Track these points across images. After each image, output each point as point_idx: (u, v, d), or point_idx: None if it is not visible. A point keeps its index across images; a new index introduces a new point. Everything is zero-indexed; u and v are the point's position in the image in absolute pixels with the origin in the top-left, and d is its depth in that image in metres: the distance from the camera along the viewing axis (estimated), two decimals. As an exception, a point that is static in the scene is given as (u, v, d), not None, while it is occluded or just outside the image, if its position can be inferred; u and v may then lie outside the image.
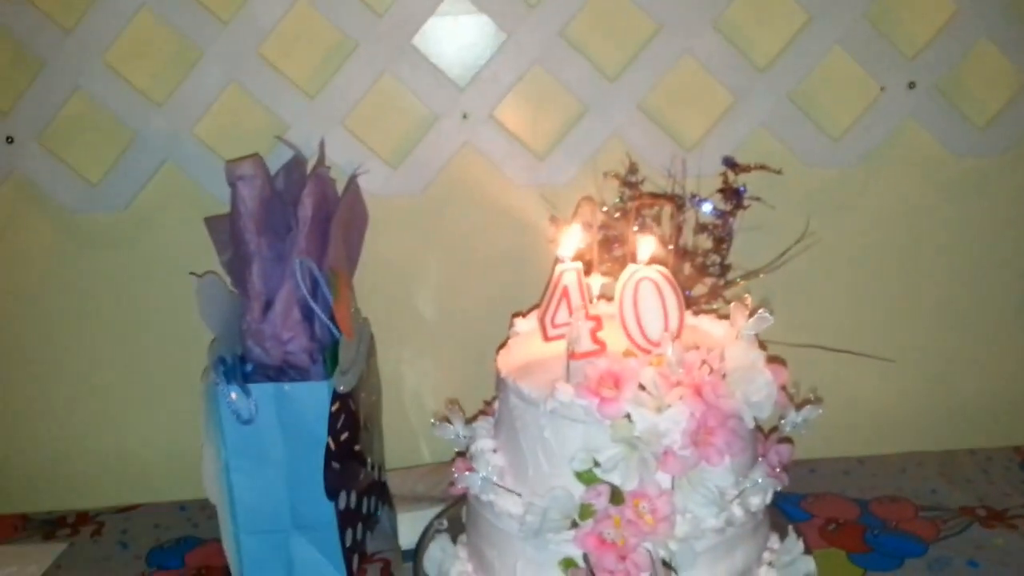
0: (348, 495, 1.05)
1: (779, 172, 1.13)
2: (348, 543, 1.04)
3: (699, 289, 1.11)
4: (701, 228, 1.12)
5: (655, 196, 1.12)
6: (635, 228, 1.04)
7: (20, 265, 1.21)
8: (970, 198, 1.24)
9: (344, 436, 1.03)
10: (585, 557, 0.76)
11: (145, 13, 1.12)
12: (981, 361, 1.30)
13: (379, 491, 1.15)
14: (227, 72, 1.14)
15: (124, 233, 1.20)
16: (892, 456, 1.25)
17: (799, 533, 0.87)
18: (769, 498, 0.81)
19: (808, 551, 0.85)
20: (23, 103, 1.14)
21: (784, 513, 0.91)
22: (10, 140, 1.15)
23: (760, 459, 0.81)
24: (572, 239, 0.84)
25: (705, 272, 1.11)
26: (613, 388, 0.74)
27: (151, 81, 1.16)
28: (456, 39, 1.17)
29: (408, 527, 1.04)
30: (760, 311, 0.79)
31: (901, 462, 1.23)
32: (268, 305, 1.02)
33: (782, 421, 0.83)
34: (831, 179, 1.22)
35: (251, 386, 0.99)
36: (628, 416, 0.74)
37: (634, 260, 0.83)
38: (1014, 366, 1.30)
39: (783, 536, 0.87)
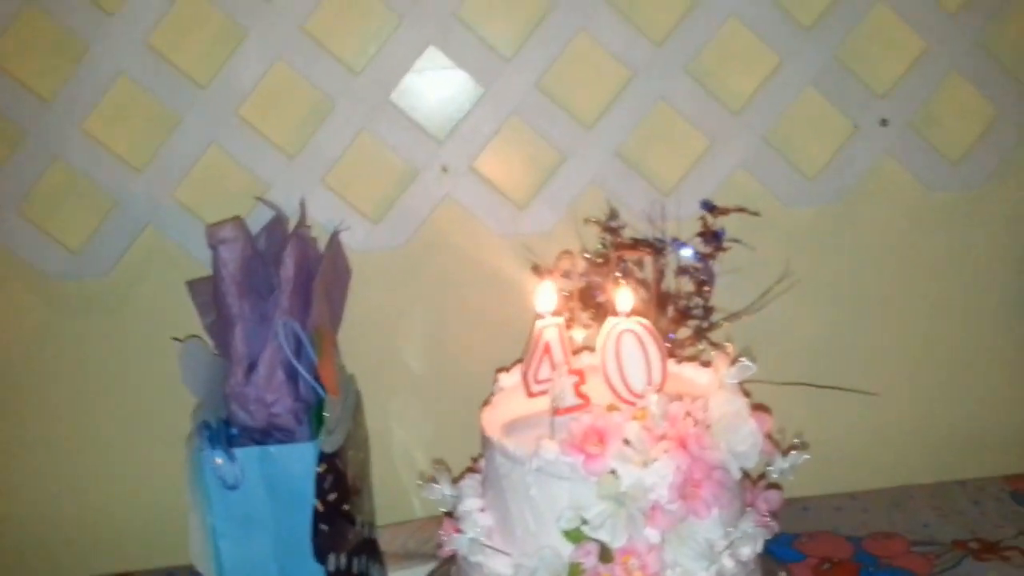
0: (338, 556, 1.03)
1: (757, 214, 1.14)
2: (343, 604, 1.03)
3: (682, 333, 1.11)
4: (682, 272, 1.12)
5: (635, 242, 1.13)
6: (616, 275, 1.05)
7: (9, 334, 1.21)
8: (948, 232, 1.25)
9: (332, 496, 1.02)
10: (578, 615, 0.75)
11: (123, 80, 1.13)
12: (967, 392, 1.30)
13: (370, 549, 1.14)
14: (206, 135, 1.15)
15: (108, 298, 1.19)
16: (884, 491, 1.24)
17: (789, 577, 0.86)
18: (759, 547, 0.80)
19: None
20: (2, 174, 1.14)
21: (776, 557, 0.90)
22: (-7, 210, 1.15)
23: (749, 508, 0.81)
24: (549, 294, 0.84)
25: (688, 315, 1.12)
26: (598, 444, 0.74)
27: (130, 147, 1.16)
28: (433, 94, 1.18)
29: (404, 585, 1.03)
30: (742, 359, 0.80)
31: (893, 496, 1.23)
32: (252, 367, 1.02)
33: (769, 468, 0.83)
34: (809, 218, 1.23)
35: (236, 450, 0.99)
36: (614, 472, 0.74)
37: (614, 310, 0.83)
38: (1000, 395, 1.31)
39: (775, 582, 0.87)
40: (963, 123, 1.21)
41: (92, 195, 1.16)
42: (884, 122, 1.19)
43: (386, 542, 1.11)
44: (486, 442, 0.82)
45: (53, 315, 1.20)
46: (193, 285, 1.08)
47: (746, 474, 0.79)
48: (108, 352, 1.21)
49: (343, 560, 1.05)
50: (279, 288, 1.04)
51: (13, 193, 1.14)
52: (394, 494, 1.25)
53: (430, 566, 1.00)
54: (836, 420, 1.26)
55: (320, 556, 1.00)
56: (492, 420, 0.83)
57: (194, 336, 1.07)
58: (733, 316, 1.12)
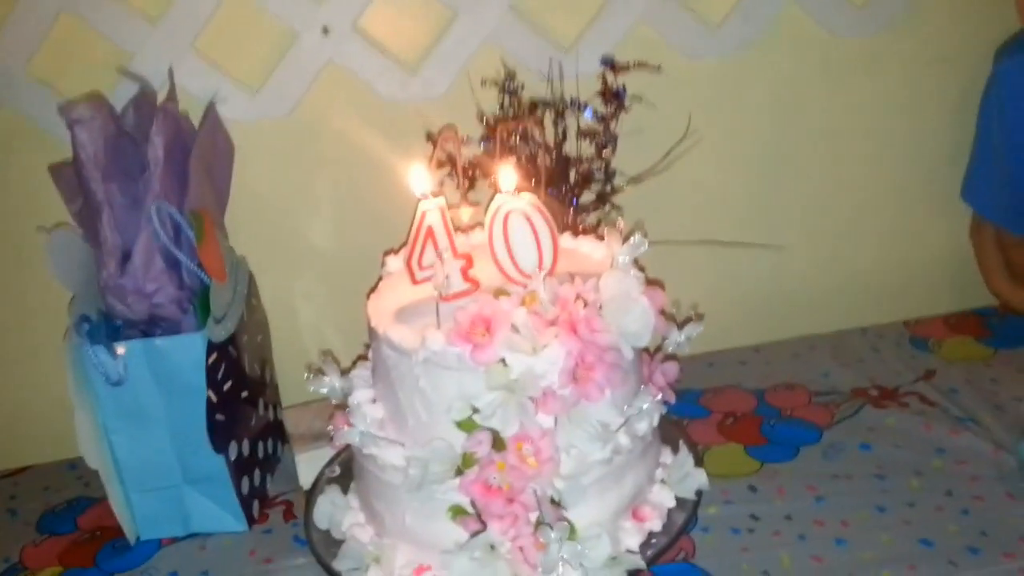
0: (239, 443, 1.01)
1: (658, 69, 1.09)
2: (245, 490, 1.02)
3: (585, 198, 1.08)
4: (583, 134, 1.08)
5: (533, 104, 1.08)
6: (510, 144, 1.00)
7: None
8: (853, 79, 1.21)
9: (227, 385, 0.99)
10: (473, 503, 0.74)
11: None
12: (868, 240, 1.30)
13: (276, 431, 1.12)
14: (57, 1, 1.04)
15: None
16: (787, 342, 1.26)
17: (690, 447, 0.87)
18: (655, 422, 0.80)
19: (699, 463, 0.85)
20: None
21: (677, 420, 0.90)
22: None
23: (645, 384, 0.80)
24: (423, 176, 0.79)
25: (590, 180, 1.08)
26: (485, 333, 0.71)
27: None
28: (310, -55, 1.08)
29: (307, 467, 1.02)
30: (634, 236, 0.77)
31: (795, 347, 1.24)
32: (126, 257, 0.96)
33: (665, 341, 0.82)
34: (712, 71, 1.18)
35: (119, 344, 0.94)
36: (503, 360, 0.71)
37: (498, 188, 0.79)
38: (899, 242, 1.31)
39: (676, 449, 0.88)
40: (868, -36, 1.16)
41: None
42: (789, -35, 1.13)
43: (292, 424, 1.09)
44: (372, 333, 0.79)
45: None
46: (55, 170, 1.00)
47: (643, 349, 0.77)
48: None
49: (246, 446, 1.03)
50: (149, 169, 0.97)
51: None
52: (299, 373, 1.22)
53: (329, 455, 0.98)
54: (740, 275, 1.26)
55: (218, 446, 0.97)
56: (378, 309, 0.80)
57: (62, 224, 1.00)
58: (636, 178, 1.09)
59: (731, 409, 1.14)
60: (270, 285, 1.14)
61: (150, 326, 0.98)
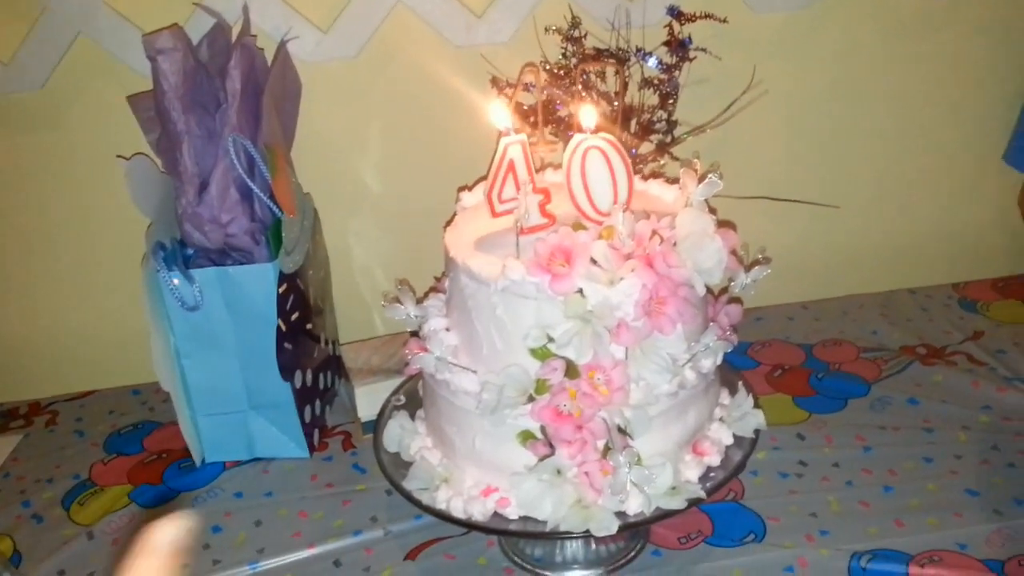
0: (303, 373, 1.05)
1: (725, 21, 1.09)
2: (307, 419, 1.05)
3: (646, 147, 1.09)
4: (646, 83, 1.09)
5: (598, 52, 1.09)
6: (579, 88, 1.02)
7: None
8: (917, 38, 1.22)
9: (294, 316, 1.02)
10: (543, 429, 0.77)
11: None
12: (921, 201, 1.31)
13: (335, 366, 1.15)
14: (136, -67, 1.06)
15: (45, 113, 1.13)
16: (835, 300, 1.27)
17: (748, 388, 0.89)
18: (720, 360, 0.82)
19: (757, 404, 0.87)
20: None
21: (733, 367, 0.92)
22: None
23: (711, 322, 0.82)
24: (505, 111, 0.81)
25: (652, 130, 1.09)
26: (564, 263, 0.73)
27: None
28: None
29: (366, 400, 1.05)
30: (710, 176, 0.78)
31: (843, 305, 1.26)
32: (203, 186, 0.99)
33: (732, 283, 0.84)
34: (779, 24, 1.18)
35: (194, 271, 0.97)
36: (580, 291, 0.74)
37: (579, 127, 0.80)
38: (952, 205, 1.32)
39: (733, 391, 0.90)
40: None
41: (17, 2, 1.07)
42: (859, -80, 1.13)
43: (350, 359, 1.12)
44: (451, 263, 0.81)
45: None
46: (135, 100, 1.03)
47: (709, 289, 0.79)
48: (51, 169, 1.16)
49: (308, 377, 1.06)
50: (226, 102, 0.99)
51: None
52: (357, 312, 1.25)
53: (394, 382, 1.01)
54: (793, 232, 1.27)
55: (285, 373, 1.01)
56: (456, 240, 0.82)
57: (140, 153, 1.02)
58: (697, 129, 1.10)
59: (779, 361, 1.16)
60: (331, 224, 1.16)
61: (223, 255, 1.01)
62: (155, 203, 1.00)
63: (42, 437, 1.13)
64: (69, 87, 1.12)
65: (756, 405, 0.87)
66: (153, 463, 1.07)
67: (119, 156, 1.01)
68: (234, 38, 1.04)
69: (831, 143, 1.26)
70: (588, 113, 0.79)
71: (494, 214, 0.81)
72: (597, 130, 0.80)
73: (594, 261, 0.73)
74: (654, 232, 0.75)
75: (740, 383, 0.90)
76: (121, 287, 1.02)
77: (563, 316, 0.74)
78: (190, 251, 1.00)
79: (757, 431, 0.86)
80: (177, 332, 0.99)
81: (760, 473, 0.97)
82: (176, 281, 0.97)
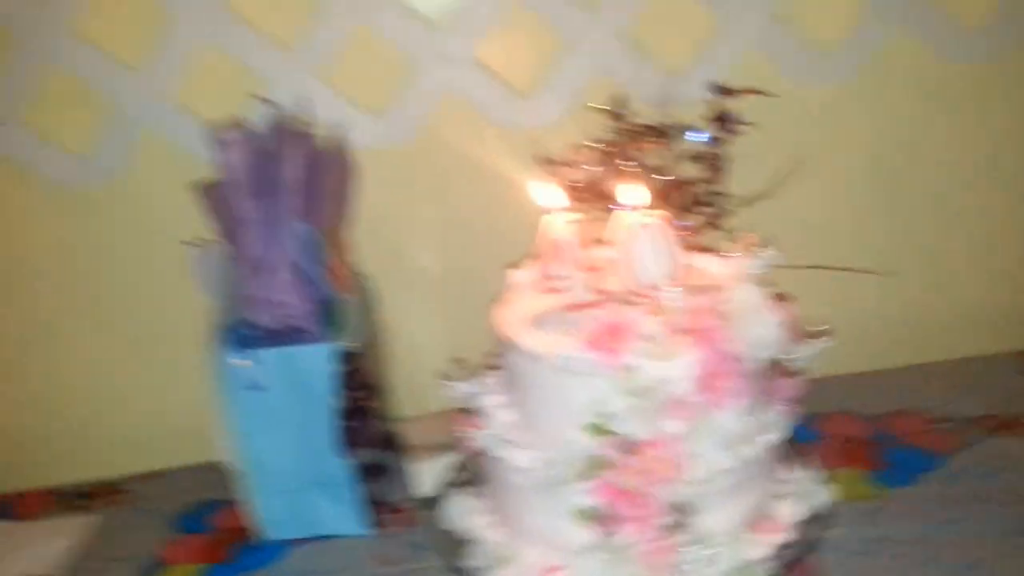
0: (362, 450, 1.06)
1: (769, 95, 1.10)
2: (367, 496, 1.06)
3: (695, 220, 1.10)
4: (693, 158, 1.10)
5: (644, 129, 1.10)
6: (627, 165, 1.03)
7: (21, 243, 1.20)
8: (965, 105, 1.21)
9: (352, 394, 1.03)
10: (602, 506, 0.77)
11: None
12: (984, 267, 1.29)
13: (394, 443, 1.16)
14: (201, 31, 1.12)
15: (116, 202, 1.18)
16: (900, 369, 1.25)
17: (815, 463, 0.88)
18: (782, 433, 0.81)
19: (825, 479, 0.86)
20: (2, 83, 1.11)
21: (798, 441, 0.91)
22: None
23: (771, 396, 0.82)
24: (554, 189, 0.83)
25: (700, 203, 1.10)
26: (617, 340, 0.74)
27: (125, 47, 1.13)
28: (431, -21, 1.14)
29: (425, 476, 1.05)
30: (764, 249, 0.79)
31: (910, 374, 1.24)
32: (265, 270, 1.02)
33: (792, 355, 0.83)
34: (823, 97, 1.19)
35: (256, 352, 1.00)
36: (634, 367, 0.74)
37: (626, 202, 0.82)
38: (1014, 270, 1.30)
39: (799, 467, 0.88)
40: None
41: (90, 99, 1.14)
42: (900, -7, 1.14)
43: (409, 435, 1.13)
44: (503, 341, 0.82)
45: (63, 222, 1.19)
46: (201, 188, 1.07)
47: (767, 363, 0.79)
48: (124, 255, 1.21)
49: (367, 454, 1.07)
50: (286, 189, 1.02)
51: (13, 101, 1.12)
52: (414, 388, 1.26)
53: (452, 457, 1.01)
54: (851, 302, 1.25)
55: (344, 451, 1.02)
56: (508, 318, 0.83)
57: (205, 239, 1.06)
58: (746, 202, 1.11)
59: (846, 434, 1.13)
60: (388, 302, 1.19)
61: (284, 336, 1.03)
62: (220, 286, 1.03)
63: (115, 516, 1.15)
64: (139, 177, 1.17)
65: (824, 480, 0.86)
66: (221, 542, 1.08)
67: (185, 243, 1.05)
68: (293, 127, 1.09)
69: (885, 210, 1.26)
70: (635, 189, 0.80)
71: (544, 291, 0.83)
72: (645, 206, 0.81)
73: (646, 336, 0.74)
74: (707, 306, 0.75)
75: (805, 458, 0.88)
76: (188, 368, 1.05)
77: (617, 392, 0.74)
78: (253, 332, 1.02)
79: (826, 507, 0.84)
80: (241, 411, 1.01)
81: (834, 552, 0.94)
82: (239, 362, 0.99)
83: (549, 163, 1.09)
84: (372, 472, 1.08)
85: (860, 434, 1.13)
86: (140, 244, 1.20)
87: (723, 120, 1.09)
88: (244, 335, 1.01)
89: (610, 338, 0.74)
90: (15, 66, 1.11)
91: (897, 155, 1.23)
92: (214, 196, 1.03)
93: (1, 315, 1.23)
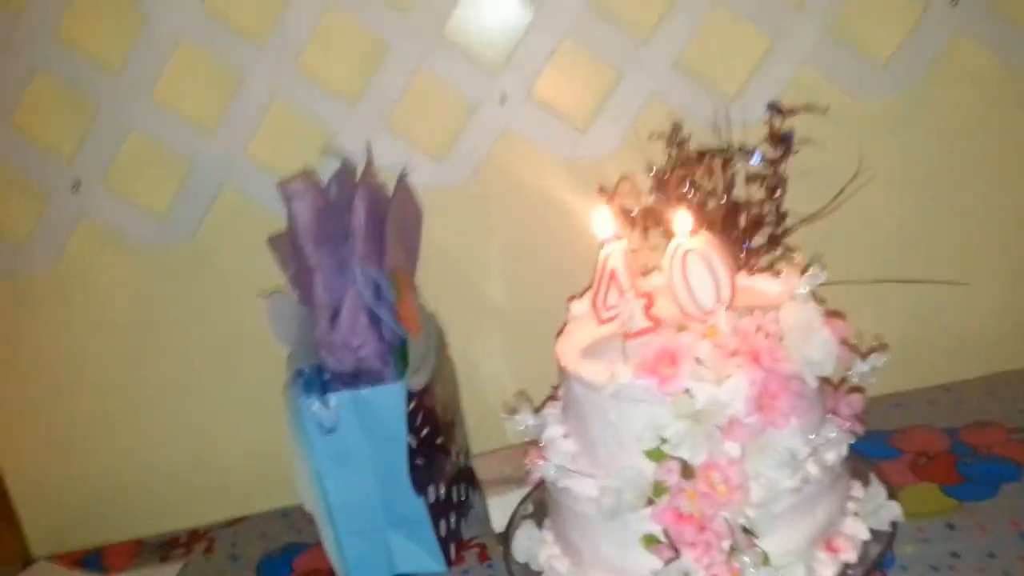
0: (436, 487, 1.08)
1: (825, 111, 1.10)
2: (443, 533, 1.08)
3: (757, 241, 1.10)
4: (752, 179, 1.10)
5: (701, 154, 1.11)
6: (683, 191, 1.04)
7: (103, 303, 1.27)
8: (1031, 107, 1.19)
9: (424, 432, 1.06)
10: (666, 532, 0.77)
11: (184, 45, 1.16)
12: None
13: (467, 478, 1.18)
14: (270, 90, 1.17)
15: (195, 259, 1.25)
16: (978, 379, 1.22)
17: (882, 479, 0.87)
18: (844, 451, 0.81)
19: (892, 496, 0.85)
20: (84, 149, 1.19)
21: (867, 457, 0.90)
22: (77, 186, 1.20)
23: (830, 414, 0.81)
24: (606, 220, 0.84)
25: (761, 223, 1.10)
26: (671, 365, 0.75)
27: (199, 109, 1.19)
28: (485, 23, 1.18)
29: (499, 510, 1.07)
30: (812, 268, 0.79)
31: (988, 385, 1.20)
32: (335, 314, 1.06)
33: (849, 372, 0.83)
34: (882, 109, 1.18)
35: (330, 395, 1.03)
36: (688, 391, 0.75)
37: (678, 229, 0.83)
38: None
39: (866, 483, 0.87)
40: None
41: (168, 161, 1.20)
42: (954, 0, 1.13)
43: (482, 470, 1.15)
44: (562, 371, 0.84)
45: (147, 280, 1.26)
46: (273, 240, 1.12)
47: (827, 380, 0.79)
48: (197, 308, 1.27)
49: (442, 490, 1.10)
50: (353, 235, 1.07)
51: (95, 166, 1.20)
52: (486, 423, 1.28)
53: (525, 490, 1.03)
54: (924, 314, 1.23)
55: (419, 489, 1.04)
56: (567, 349, 0.85)
57: (279, 289, 1.11)
58: (809, 219, 1.10)
59: (923, 448, 1.11)
60: (457, 339, 1.22)
61: (356, 378, 1.06)
62: (294, 333, 1.08)
63: (201, 564, 1.19)
64: (216, 233, 1.23)
65: (891, 496, 0.85)
66: (300, 584, 1.11)
67: (261, 294, 1.10)
68: (358, 174, 1.13)
69: (952, 220, 1.23)
70: (683, 217, 0.81)
71: (600, 321, 0.84)
72: (701, 230, 0.82)
73: (699, 360, 0.75)
74: (758, 327, 0.75)
75: (872, 474, 0.87)
76: (266, 414, 1.09)
77: (674, 417, 0.75)
78: (327, 376, 1.06)
79: (895, 524, 0.83)
80: (317, 454, 1.05)
81: (909, 568, 0.92)
82: (315, 406, 1.03)
83: (607, 193, 1.11)
84: (448, 509, 1.10)
85: (938, 448, 1.11)
86: (218, 297, 1.26)
87: (780, 139, 1.09)
88: (319, 379, 1.05)
89: (665, 364, 0.75)
90: (97, 131, 1.19)
91: (958, 162, 1.21)
92: (285, 246, 1.08)
93: (87, 369, 1.30)
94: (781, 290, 0.85)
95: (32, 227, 1.23)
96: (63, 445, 1.32)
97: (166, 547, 1.24)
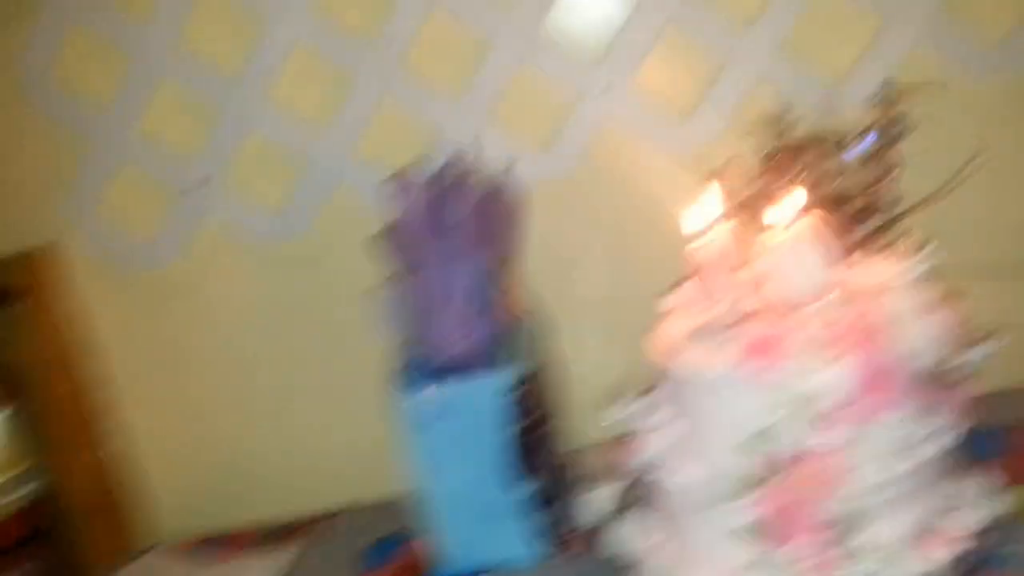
0: (539, 477, 1.09)
1: (941, 88, 1.06)
2: (545, 523, 1.09)
3: (870, 225, 1.07)
4: (861, 164, 1.07)
5: (810, 138, 1.09)
6: (789, 176, 1.02)
7: (223, 298, 1.33)
8: None
9: (528, 422, 1.08)
10: (767, 521, 0.76)
11: (299, 48, 1.21)
12: None
13: (568, 469, 1.19)
14: (379, 88, 1.21)
15: (309, 255, 1.29)
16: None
17: (992, 473, 0.83)
18: (950, 441, 0.78)
19: (1002, 489, 0.81)
20: (206, 151, 1.25)
21: (979, 452, 0.86)
22: (202, 183, 1.27)
23: (938, 402, 0.78)
24: (708, 205, 0.84)
25: (874, 207, 1.07)
26: (771, 352, 0.74)
27: (312, 109, 1.24)
28: (585, 14, 1.18)
29: (599, 503, 1.07)
30: (924, 251, 0.76)
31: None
32: (440, 305, 1.08)
33: (961, 361, 0.80)
34: (1000, 86, 1.13)
35: (437, 385, 1.06)
36: (792, 377, 0.74)
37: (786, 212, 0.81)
38: None
39: (974, 478, 0.84)
40: None
41: (285, 160, 1.26)
42: (1083, -34, 1.07)
43: (582, 461, 1.15)
44: (662, 360, 0.84)
45: (263, 273, 1.32)
46: (382, 234, 1.15)
47: (935, 368, 0.76)
48: (307, 303, 1.32)
49: (544, 481, 1.11)
50: (458, 228, 1.09)
51: (216, 165, 1.26)
52: (589, 415, 1.28)
53: (624, 482, 1.03)
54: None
55: (521, 478, 1.06)
56: (670, 335, 0.85)
57: (385, 282, 1.14)
58: (922, 202, 1.06)
59: (1040, 443, 1.06)
60: (558, 330, 1.22)
61: (462, 368, 1.09)
62: (399, 325, 1.11)
63: (308, 553, 1.23)
64: (328, 230, 1.28)
65: (1001, 491, 0.81)
66: (407, 574, 1.13)
67: (368, 288, 1.13)
68: (463, 169, 1.15)
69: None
70: (795, 199, 0.80)
71: (704, 307, 0.84)
72: (800, 215, 0.81)
73: (803, 346, 0.73)
74: (864, 312, 0.74)
75: (983, 469, 0.84)
76: (373, 406, 1.13)
77: (774, 405, 0.74)
78: (431, 367, 1.09)
79: (1003, 517, 0.79)
80: (422, 445, 1.07)
81: (1014, 567, 0.88)
82: (420, 396, 1.06)
83: (710, 180, 1.10)
84: (548, 500, 1.11)
85: (1059, 442, 1.05)
86: (329, 292, 1.31)
87: (891, 122, 1.06)
88: (423, 370, 1.08)
89: (765, 351, 0.74)
90: (217, 132, 1.24)
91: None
92: (392, 240, 1.12)
93: (202, 362, 1.36)
94: (886, 275, 0.83)
95: (161, 224, 1.30)
96: (187, 434, 1.39)
97: (277, 536, 1.27)
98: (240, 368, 1.36)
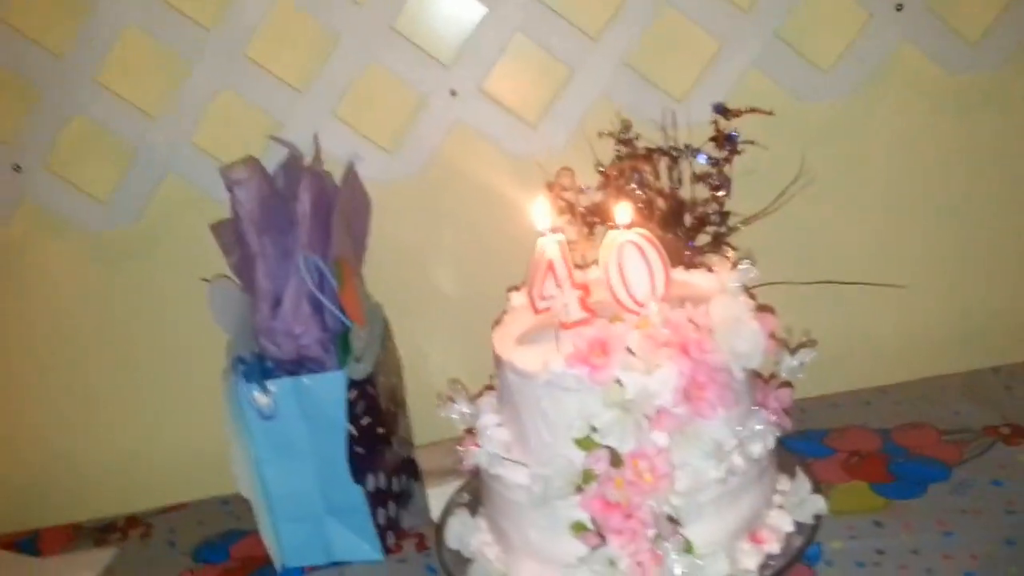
0: (376, 476, 1.08)
1: (770, 113, 1.12)
2: (382, 522, 1.08)
3: (702, 239, 1.12)
4: (698, 178, 1.12)
5: (648, 152, 1.12)
6: (628, 187, 1.05)
7: (42, 286, 1.26)
8: (970, 116, 1.21)
9: (365, 421, 1.06)
10: (593, 519, 0.78)
11: (131, 29, 1.15)
12: (997, 278, 1.28)
13: (409, 468, 1.18)
14: (217, 78, 1.17)
15: (137, 245, 1.24)
16: (914, 382, 1.24)
17: (807, 473, 0.88)
18: (770, 444, 0.82)
19: (818, 490, 0.86)
20: (25, 132, 1.18)
21: (795, 453, 0.91)
22: (17, 168, 1.19)
23: (759, 407, 0.83)
24: (545, 211, 0.85)
25: (706, 222, 1.11)
26: (602, 355, 0.75)
27: (145, 96, 1.18)
28: (436, 17, 1.18)
29: (438, 501, 1.07)
30: (743, 263, 0.80)
31: (923, 387, 1.23)
32: (277, 302, 1.06)
33: (779, 367, 0.84)
34: (826, 112, 1.20)
35: (270, 382, 1.03)
36: (619, 381, 0.76)
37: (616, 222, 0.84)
38: (1030, 280, 1.29)
39: (793, 477, 0.89)
40: (980, 2, 1.16)
41: (113, 146, 1.19)
42: (899, 7, 1.15)
43: (424, 461, 1.15)
44: (497, 360, 0.84)
45: (88, 265, 1.25)
46: (216, 227, 1.11)
47: (757, 374, 0.80)
48: (144, 295, 1.26)
49: (382, 480, 1.10)
50: (297, 224, 1.06)
51: (37, 150, 1.19)
52: (431, 414, 1.28)
53: (458, 481, 1.03)
54: (864, 315, 1.25)
55: (358, 477, 1.04)
56: (502, 338, 0.86)
57: (221, 275, 1.10)
58: (751, 219, 1.12)
59: (856, 448, 1.13)
60: (403, 330, 1.22)
61: (297, 365, 1.06)
62: (235, 320, 1.07)
63: (137, 549, 1.19)
64: (159, 220, 1.22)
65: (817, 490, 0.86)
66: (237, 571, 1.11)
67: (202, 279, 1.09)
68: (303, 164, 1.13)
69: (893, 224, 1.26)
70: (621, 209, 0.82)
71: (536, 311, 0.85)
72: (633, 224, 0.83)
73: (630, 351, 0.76)
74: (689, 319, 0.77)
75: (798, 468, 0.89)
76: (206, 401, 1.09)
77: (603, 406, 0.76)
78: (267, 363, 1.06)
79: (818, 517, 0.84)
80: (256, 441, 1.04)
81: (836, 563, 0.94)
82: (254, 393, 1.03)
83: (552, 188, 1.12)
84: (387, 498, 1.11)
85: (871, 447, 1.13)
86: (161, 283, 1.25)
87: (725, 140, 1.11)
88: (259, 366, 1.05)
89: (597, 354, 0.76)
90: (39, 116, 1.17)
91: (904, 167, 1.24)
92: (228, 233, 1.08)
93: (29, 354, 1.29)
94: (713, 284, 0.86)
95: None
96: (2, 429, 1.31)
97: (102, 532, 1.23)
98: (65, 361, 1.29)
